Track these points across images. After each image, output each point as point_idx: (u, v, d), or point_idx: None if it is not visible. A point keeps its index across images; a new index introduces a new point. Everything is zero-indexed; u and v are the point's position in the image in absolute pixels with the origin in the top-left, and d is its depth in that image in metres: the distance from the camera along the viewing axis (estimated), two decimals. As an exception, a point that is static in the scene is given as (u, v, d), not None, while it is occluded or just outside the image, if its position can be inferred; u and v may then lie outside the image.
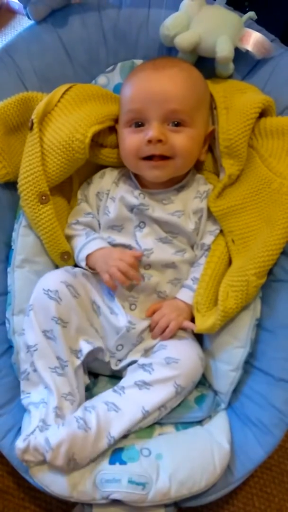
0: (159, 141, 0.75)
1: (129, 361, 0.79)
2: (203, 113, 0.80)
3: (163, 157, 0.77)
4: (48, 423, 0.69)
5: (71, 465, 0.67)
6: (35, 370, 0.73)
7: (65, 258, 0.83)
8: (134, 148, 0.78)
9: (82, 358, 0.74)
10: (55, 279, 0.77)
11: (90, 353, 0.76)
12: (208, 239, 0.83)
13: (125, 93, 0.80)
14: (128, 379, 0.76)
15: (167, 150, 0.76)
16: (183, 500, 0.70)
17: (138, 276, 0.78)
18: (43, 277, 0.78)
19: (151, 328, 0.80)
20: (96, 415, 0.69)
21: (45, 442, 0.66)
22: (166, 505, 0.69)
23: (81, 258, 0.81)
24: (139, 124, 0.78)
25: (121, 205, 0.82)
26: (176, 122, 0.76)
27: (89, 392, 0.80)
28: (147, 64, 0.81)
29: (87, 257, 0.81)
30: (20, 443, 0.68)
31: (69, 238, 0.84)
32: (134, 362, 0.78)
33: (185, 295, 0.81)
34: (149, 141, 0.75)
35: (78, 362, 0.74)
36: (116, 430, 0.70)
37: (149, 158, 0.77)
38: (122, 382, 0.76)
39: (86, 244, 0.81)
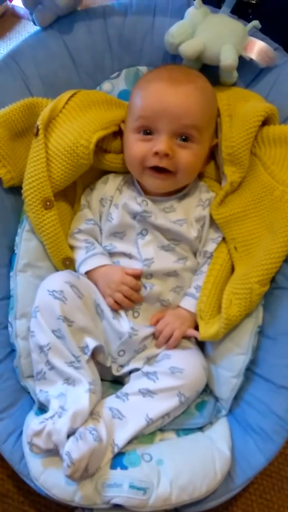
0: (166, 155, 0.76)
1: (131, 368, 0.79)
2: (211, 129, 0.82)
3: (166, 171, 0.78)
4: (66, 408, 0.69)
5: (84, 476, 0.67)
6: (51, 368, 0.73)
7: (67, 264, 0.83)
8: (140, 156, 0.78)
9: (89, 353, 0.74)
10: (59, 279, 0.77)
11: (94, 354, 0.76)
12: (210, 247, 0.83)
13: (137, 99, 0.80)
14: (131, 386, 0.76)
15: (171, 164, 0.77)
16: (184, 506, 0.70)
17: (141, 297, 0.80)
18: (46, 279, 0.79)
19: (155, 337, 0.80)
20: (104, 424, 0.69)
21: (67, 455, 0.65)
22: (166, 511, 0.69)
23: (80, 272, 0.82)
24: (147, 132, 0.78)
25: (124, 212, 0.82)
26: (184, 137, 0.77)
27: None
28: (163, 75, 0.80)
29: (87, 272, 0.82)
30: (35, 424, 0.68)
31: (71, 248, 0.84)
32: (136, 369, 0.79)
33: (188, 304, 0.82)
34: (156, 153, 0.76)
35: (86, 357, 0.74)
36: (121, 438, 0.70)
37: (153, 168, 0.78)
38: (126, 389, 0.76)
39: (85, 260, 0.82)
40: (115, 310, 0.81)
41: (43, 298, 0.75)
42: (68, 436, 0.67)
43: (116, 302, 0.79)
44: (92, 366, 0.75)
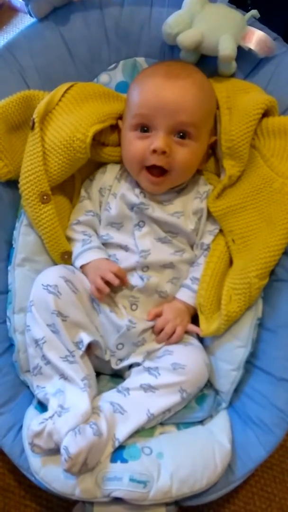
0: (163, 152, 0.75)
1: (131, 362, 0.79)
2: (209, 125, 0.81)
3: (162, 170, 0.77)
4: (66, 407, 0.69)
5: (83, 470, 0.67)
6: (47, 363, 0.73)
7: (66, 258, 0.83)
8: (138, 155, 0.78)
9: (83, 348, 0.74)
10: (53, 274, 0.77)
11: (90, 350, 0.77)
12: (207, 239, 0.83)
13: (134, 96, 0.80)
14: (132, 381, 0.76)
15: (168, 162, 0.77)
16: (184, 499, 0.70)
17: (115, 278, 0.77)
18: (41, 273, 0.78)
19: (154, 333, 0.80)
20: (105, 419, 0.69)
21: (64, 450, 0.65)
22: (167, 504, 0.69)
23: (76, 266, 0.82)
24: (145, 129, 0.78)
25: (122, 203, 0.82)
26: (182, 134, 0.76)
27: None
28: (160, 69, 0.79)
29: (81, 266, 0.81)
30: (35, 425, 0.68)
31: (69, 240, 0.84)
32: (136, 364, 0.79)
33: (185, 295, 0.81)
34: (154, 151, 0.75)
35: (80, 352, 0.74)
36: (122, 433, 0.70)
37: (149, 167, 0.78)
38: (127, 383, 0.76)
39: (81, 253, 0.82)
40: (112, 304, 0.80)
41: (38, 293, 0.75)
42: None
43: (98, 290, 0.78)
44: (86, 361, 0.75)
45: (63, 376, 0.73)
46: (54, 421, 0.68)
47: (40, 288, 0.75)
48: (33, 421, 0.69)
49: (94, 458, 0.67)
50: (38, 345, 0.74)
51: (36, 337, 0.74)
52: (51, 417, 0.68)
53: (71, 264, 0.83)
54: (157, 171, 0.78)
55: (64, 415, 0.68)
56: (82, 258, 0.81)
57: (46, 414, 0.69)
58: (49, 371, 0.74)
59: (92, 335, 0.76)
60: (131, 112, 0.79)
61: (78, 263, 0.82)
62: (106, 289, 0.77)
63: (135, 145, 0.78)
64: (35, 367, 0.75)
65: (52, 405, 0.71)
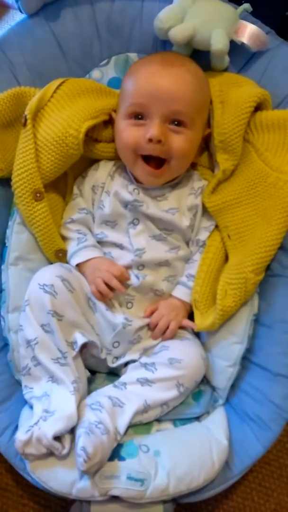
0: (159, 141, 0.74)
1: (127, 360, 0.79)
2: (203, 116, 0.80)
3: (159, 160, 0.77)
4: (51, 410, 0.69)
5: (98, 469, 0.67)
6: (37, 364, 0.73)
7: (60, 256, 0.82)
8: (132, 142, 0.77)
9: (77, 349, 0.74)
10: (50, 273, 0.76)
11: (86, 349, 0.76)
12: (203, 235, 0.83)
13: (128, 85, 0.79)
14: (129, 376, 0.76)
15: (164, 151, 0.76)
16: (182, 496, 0.70)
17: (121, 287, 0.77)
18: (38, 272, 0.78)
19: (150, 329, 0.80)
20: (107, 414, 0.69)
21: (82, 450, 0.64)
22: (164, 502, 0.69)
23: (72, 264, 0.81)
24: (139, 117, 0.77)
25: (116, 200, 0.81)
26: (177, 122, 0.76)
27: (87, 388, 0.79)
28: (154, 58, 0.79)
29: (78, 265, 0.81)
30: (21, 435, 0.67)
31: (63, 238, 0.83)
32: (132, 361, 0.78)
33: (180, 292, 0.81)
34: (150, 140, 0.74)
35: (74, 353, 0.74)
36: (122, 426, 0.70)
37: (146, 157, 0.77)
38: (123, 379, 0.76)
39: (76, 252, 0.81)
40: (108, 302, 0.80)
41: (33, 292, 0.75)
42: (55, 438, 0.67)
43: (98, 291, 0.78)
44: (78, 362, 0.75)
45: (52, 379, 0.73)
46: (39, 427, 0.67)
47: (36, 287, 0.74)
48: (18, 431, 0.69)
49: (106, 456, 0.67)
50: (30, 345, 0.73)
51: (28, 338, 0.74)
52: (36, 423, 0.68)
53: (67, 262, 0.83)
54: (155, 162, 0.77)
55: (49, 418, 0.68)
56: (78, 256, 0.81)
57: (31, 421, 0.69)
58: (38, 373, 0.73)
59: (88, 334, 0.76)
60: (126, 102, 0.78)
61: (74, 261, 0.81)
62: (110, 294, 0.77)
63: (129, 132, 0.77)
64: (25, 367, 0.74)
65: (36, 410, 0.70)
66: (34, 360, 0.73)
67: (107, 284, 0.77)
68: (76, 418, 0.68)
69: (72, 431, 0.69)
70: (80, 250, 0.81)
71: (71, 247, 0.82)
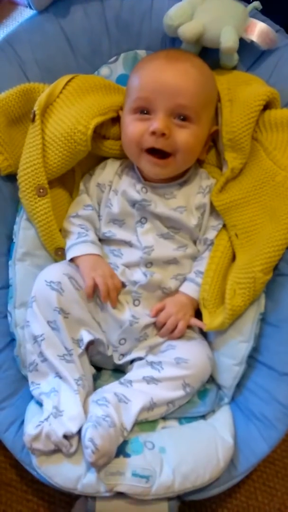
0: (163, 134, 0.74)
1: (133, 357, 0.78)
2: (209, 112, 0.80)
3: (163, 154, 0.76)
4: (61, 409, 0.69)
5: (106, 463, 0.67)
6: (44, 360, 0.73)
7: (59, 254, 0.82)
8: (136, 136, 0.77)
9: (83, 347, 0.74)
10: (57, 270, 0.76)
11: (92, 346, 0.76)
12: (211, 234, 0.82)
13: (134, 80, 0.79)
14: (135, 374, 0.76)
15: (168, 145, 0.75)
16: (187, 494, 0.70)
17: (115, 301, 0.78)
18: (45, 269, 0.78)
19: (157, 327, 0.80)
20: (114, 409, 0.69)
21: (90, 442, 0.65)
22: (169, 498, 0.69)
23: (67, 257, 0.81)
24: (144, 112, 0.77)
25: (124, 200, 0.81)
26: (182, 117, 0.76)
27: (93, 384, 0.79)
28: (160, 54, 0.80)
29: (73, 259, 0.80)
30: (31, 429, 0.67)
31: (64, 231, 0.83)
32: (138, 358, 0.78)
33: (188, 288, 0.81)
34: (153, 133, 0.74)
35: (80, 350, 0.74)
36: (128, 421, 0.70)
37: (151, 151, 0.77)
38: (129, 376, 0.76)
39: (73, 245, 0.81)
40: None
41: (40, 289, 0.75)
42: (65, 437, 0.67)
43: (93, 287, 0.77)
44: (84, 360, 0.75)
45: (58, 375, 0.73)
46: (50, 423, 0.68)
47: (43, 284, 0.75)
48: (28, 425, 0.69)
49: (113, 450, 0.67)
50: (37, 341, 0.73)
51: (35, 334, 0.74)
52: (46, 419, 0.68)
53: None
54: (160, 155, 0.77)
55: (59, 417, 0.68)
56: (76, 249, 0.80)
57: (42, 416, 0.69)
58: (45, 369, 0.74)
59: (94, 332, 0.76)
60: (131, 97, 0.78)
61: (70, 254, 0.80)
62: (105, 291, 0.77)
63: (134, 126, 0.77)
64: (32, 363, 0.74)
65: (47, 406, 0.70)
66: (41, 356, 0.74)
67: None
68: (84, 417, 0.69)
69: (79, 431, 0.68)
70: (78, 244, 0.80)
71: (69, 240, 0.82)
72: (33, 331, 0.74)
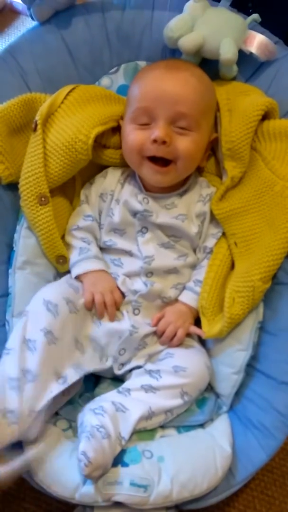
0: (164, 142, 0.75)
1: (133, 366, 0.78)
2: (209, 120, 0.81)
3: (165, 161, 0.77)
4: None
5: (102, 474, 0.67)
6: None
7: (61, 262, 0.82)
8: (138, 144, 0.77)
9: (66, 385, 0.70)
10: (58, 293, 0.76)
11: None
12: (210, 242, 0.83)
13: (135, 89, 0.80)
14: (133, 382, 0.76)
15: (169, 152, 0.76)
16: (185, 503, 0.70)
17: (113, 316, 0.78)
18: (46, 287, 0.78)
19: (157, 336, 0.80)
20: (110, 419, 0.69)
21: (83, 455, 0.64)
22: (167, 508, 0.69)
23: (72, 274, 0.82)
24: (145, 121, 0.77)
25: (125, 209, 0.82)
26: (182, 125, 0.76)
27: (91, 393, 0.80)
28: (160, 64, 0.81)
29: (78, 275, 0.81)
30: None
31: (67, 245, 0.84)
32: (137, 367, 0.78)
33: (187, 297, 0.81)
34: (154, 141, 0.75)
35: (57, 388, 0.69)
36: (126, 430, 0.70)
37: (152, 159, 0.77)
38: (127, 385, 0.76)
39: (77, 263, 0.81)
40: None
41: (36, 305, 0.74)
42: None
43: (91, 302, 0.78)
44: (38, 396, 0.68)
45: None
46: None
47: (40, 302, 0.74)
48: None
49: (109, 460, 0.67)
50: (3, 351, 0.71)
51: (6, 344, 0.71)
52: None
53: (68, 269, 0.83)
54: (161, 162, 0.77)
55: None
56: (79, 267, 0.81)
57: None
58: None
59: (84, 363, 0.74)
60: (132, 106, 0.79)
61: (74, 272, 0.81)
62: (102, 306, 0.78)
63: (135, 135, 0.78)
64: None
65: None
66: None
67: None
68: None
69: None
70: (81, 261, 0.81)
71: (73, 257, 0.83)
72: (8, 340, 0.72)
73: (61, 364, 0.72)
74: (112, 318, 0.79)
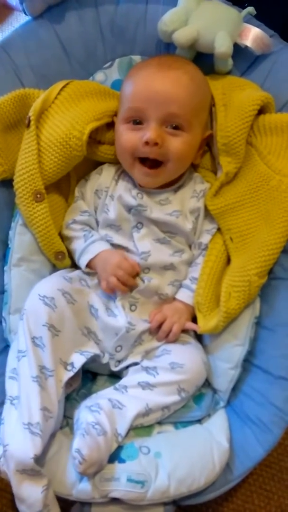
0: (155, 144, 0.74)
1: (130, 363, 0.78)
2: (202, 118, 0.80)
3: (156, 162, 0.77)
4: (5, 443, 0.65)
5: (97, 471, 0.67)
6: (12, 378, 0.71)
7: (60, 258, 0.82)
8: (130, 146, 0.77)
9: (75, 370, 0.72)
10: (52, 286, 0.75)
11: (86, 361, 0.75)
12: (205, 238, 0.83)
13: (126, 89, 0.79)
14: (130, 379, 0.75)
15: (161, 154, 0.76)
16: (182, 498, 0.70)
17: (136, 283, 0.78)
18: (40, 283, 0.77)
19: (152, 332, 0.80)
20: (105, 416, 0.68)
21: (77, 453, 0.64)
22: (165, 504, 0.69)
23: (82, 263, 0.81)
24: (137, 121, 0.77)
25: (120, 205, 0.81)
26: (174, 125, 0.76)
27: (88, 390, 0.80)
28: (152, 61, 0.80)
29: (89, 262, 0.80)
30: None
31: (67, 239, 0.83)
32: (134, 363, 0.78)
33: (184, 295, 0.81)
34: (146, 143, 0.75)
35: (66, 375, 0.71)
36: (123, 427, 0.70)
37: (142, 160, 0.77)
38: (124, 382, 0.76)
39: (86, 248, 0.81)
40: (110, 306, 0.80)
41: (32, 302, 0.73)
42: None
43: (111, 292, 0.78)
44: (59, 388, 0.70)
45: (13, 400, 0.68)
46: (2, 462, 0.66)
47: (36, 298, 0.73)
48: None
49: (104, 457, 0.67)
50: (18, 356, 0.71)
51: (19, 348, 0.72)
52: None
53: (68, 265, 0.83)
54: (151, 163, 0.77)
55: (5, 454, 0.65)
56: (88, 252, 0.80)
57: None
58: (9, 386, 0.70)
59: (88, 349, 0.75)
60: (124, 106, 0.78)
61: (85, 258, 0.80)
62: (126, 290, 0.77)
63: (127, 136, 0.77)
64: (12, 371, 0.72)
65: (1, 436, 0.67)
66: (13, 372, 0.71)
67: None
68: (31, 465, 0.64)
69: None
70: (89, 246, 0.81)
71: (78, 245, 0.82)
72: (19, 344, 0.72)
73: (65, 353, 0.72)
74: (136, 285, 0.78)
